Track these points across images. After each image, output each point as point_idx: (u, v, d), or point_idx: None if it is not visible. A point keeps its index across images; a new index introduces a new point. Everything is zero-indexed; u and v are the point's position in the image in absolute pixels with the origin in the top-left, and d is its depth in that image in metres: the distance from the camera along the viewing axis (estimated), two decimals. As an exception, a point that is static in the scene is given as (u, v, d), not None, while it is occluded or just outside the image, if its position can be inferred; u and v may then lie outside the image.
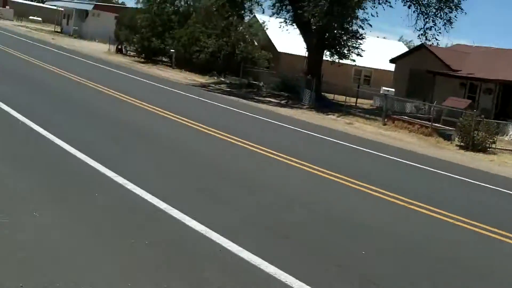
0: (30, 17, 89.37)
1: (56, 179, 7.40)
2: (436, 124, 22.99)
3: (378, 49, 40.83)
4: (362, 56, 30.56)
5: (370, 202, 9.23)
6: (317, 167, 11.04)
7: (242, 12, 31.56)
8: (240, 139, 12.92)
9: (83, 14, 63.54)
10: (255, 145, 12.46)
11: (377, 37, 50.07)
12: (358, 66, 37.41)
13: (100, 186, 7.32)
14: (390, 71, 37.24)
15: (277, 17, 32.00)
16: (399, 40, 42.36)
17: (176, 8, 44.55)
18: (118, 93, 17.97)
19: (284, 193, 8.84)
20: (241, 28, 37.85)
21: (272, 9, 31.47)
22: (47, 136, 9.55)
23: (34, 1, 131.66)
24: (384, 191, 9.80)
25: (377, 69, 40.69)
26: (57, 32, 66.48)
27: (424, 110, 27.85)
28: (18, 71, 20.13)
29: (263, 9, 33.35)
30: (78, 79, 20.26)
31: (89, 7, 62.23)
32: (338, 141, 17.20)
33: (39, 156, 8.48)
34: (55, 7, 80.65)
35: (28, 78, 18.54)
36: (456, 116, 22.58)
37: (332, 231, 7.31)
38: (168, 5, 43.45)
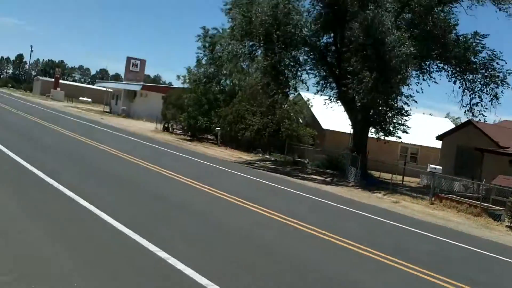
0: (80, 98, 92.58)
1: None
2: (485, 204, 22.27)
3: (424, 125, 40.62)
4: (408, 132, 30.24)
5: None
6: (368, 248, 10.74)
7: (287, 90, 31.85)
8: (287, 218, 12.77)
9: (132, 94, 65.43)
10: (302, 224, 12.28)
11: (423, 113, 49.92)
12: (404, 143, 37.12)
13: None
14: (437, 148, 36.70)
15: (321, 95, 32.20)
16: (446, 117, 41.99)
17: (221, 87, 45.54)
18: (166, 171, 18.10)
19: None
20: (286, 105, 38.15)
21: (317, 86, 31.73)
22: (100, 215, 9.55)
23: (84, 83, 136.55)
24: (437, 275, 9.42)
25: (424, 146, 40.26)
26: (106, 112, 68.48)
27: (473, 188, 27.16)
28: (72, 151, 20.49)
29: (308, 87, 33.65)
30: (126, 157, 20.54)
31: (137, 88, 64.11)
32: (385, 220, 16.73)
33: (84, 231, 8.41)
34: (104, 88, 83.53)
35: (82, 158, 18.85)
36: (506, 195, 21.92)
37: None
38: (214, 84, 44.53)
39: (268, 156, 36.09)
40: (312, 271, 8.58)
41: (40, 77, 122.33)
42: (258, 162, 32.52)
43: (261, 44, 30.32)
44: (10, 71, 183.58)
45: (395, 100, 28.88)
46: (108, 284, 6.38)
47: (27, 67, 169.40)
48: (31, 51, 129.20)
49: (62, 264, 6.81)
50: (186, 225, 10.57)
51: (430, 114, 54.73)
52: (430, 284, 9.00)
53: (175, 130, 48.80)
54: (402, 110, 29.42)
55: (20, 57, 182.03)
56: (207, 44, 44.57)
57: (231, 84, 45.89)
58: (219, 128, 40.50)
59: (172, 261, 7.47)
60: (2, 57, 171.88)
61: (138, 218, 10.24)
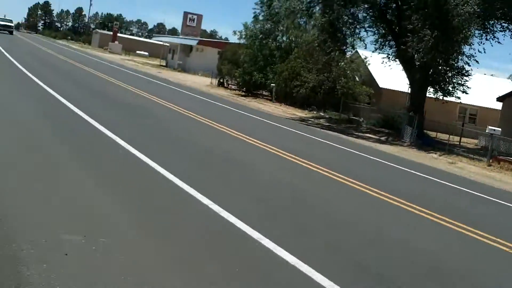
0: (137, 52, 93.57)
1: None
2: (545, 167, 21.83)
3: (485, 86, 39.58)
4: (467, 93, 29.57)
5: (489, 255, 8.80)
6: (422, 208, 10.74)
7: (344, 47, 31.51)
8: (339, 175, 12.78)
9: (188, 49, 65.76)
10: (354, 181, 12.28)
11: (485, 74, 48.54)
12: (463, 103, 36.35)
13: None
14: (497, 109, 35.81)
15: (379, 53, 31.77)
16: (508, 78, 40.58)
17: (278, 44, 45.32)
18: (220, 125, 18.27)
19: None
20: (342, 63, 37.79)
21: (375, 44, 31.25)
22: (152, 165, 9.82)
23: (141, 37, 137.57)
24: (497, 239, 9.36)
25: (483, 107, 39.30)
26: (162, 65, 69.16)
27: (532, 151, 26.56)
28: (125, 101, 20.85)
29: (366, 45, 33.31)
30: (180, 110, 20.81)
31: (193, 43, 64.36)
32: (439, 181, 16.51)
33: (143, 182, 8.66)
34: (161, 43, 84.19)
35: (137, 108, 19.20)
36: None
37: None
38: (270, 40, 44.35)
39: (322, 114, 35.97)
40: (357, 229, 8.67)
41: (99, 30, 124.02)
42: (312, 119, 32.49)
43: (320, 1, 29.94)
44: (70, 23, 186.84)
45: (456, 60, 28.16)
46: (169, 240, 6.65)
47: (86, 20, 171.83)
48: (91, 4, 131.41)
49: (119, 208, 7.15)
50: (233, 177, 10.73)
51: (492, 75, 53.11)
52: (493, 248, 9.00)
53: (229, 85, 48.99)
54: (462, 70, 28.67)
55: (79, 10, 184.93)
56: (264, 0, 44.21)
57: (288, 40, 45.61)
58: (274, 85, 40.50)
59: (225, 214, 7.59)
60: (62, 10, 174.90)
61: (188, 169, 10.49)
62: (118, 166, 9.35)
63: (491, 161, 23.59)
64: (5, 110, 12.88)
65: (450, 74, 28.55)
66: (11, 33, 79.48)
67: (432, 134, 31.69)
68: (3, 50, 35.76)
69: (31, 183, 7.28)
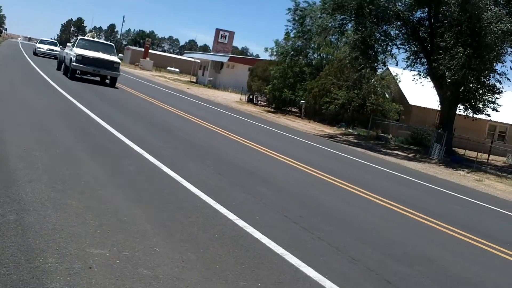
0: (168, 68, 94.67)
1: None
2: None
3: (515, 104, 39.19)
4: (498, 111, 29.34)
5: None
6: (449, 226, 10.67)
7: (376, 64, 31.49)
8: (364, 191, 12.81)
9: (219, 65, 66.35)
10: (381, 198, 12.31)
11: (515, 92, 48.02)
12: (493, 121, 36.01)
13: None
14: (528, 127, 35.44)
15: (411, 70, 31.71)
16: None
17: (308, 61, 45.48)
18: (247, 141, 18.43)
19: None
20: (373, 80, 37.77)
21: (407, 61, 31.26)
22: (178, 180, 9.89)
23: (172, 54, 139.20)
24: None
25: (514, 125, 38.96)
26: (192, 82, 69.90)
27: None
28: (154, 118, 21.03)
29: (397, 62, 33.20)
30: (209, 126, 20.97)
31: (224, 59, 64.91)
32: (465, 198, 16.39)
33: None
34: (192, 59, 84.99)
35: (166, 125, 19.36)
36: None
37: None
38: (301, 57, 44.52)
39: (351, 131, 35.89)
40: (380, 237, 8.62)
41: (130, 47, 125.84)
42: (340, 136, 32.42)
43: (352, 18, 30.01)
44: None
45: (487, 77, 28.09)
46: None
47: (119, 36, 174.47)
48: (123, 21, 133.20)
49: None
50: (263, 192, 10.68)
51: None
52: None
53: (259, 101, 49.25)
54: (493, 88, 28.53)
55: (112, 26, 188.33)
56: (297, 17, 44.44)
57: (318, 57, 45.75)
58: (303, 101, 40.56)
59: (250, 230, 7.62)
60: (94, 26, 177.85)
61: (205, 178, 10.55)
62: (159, 189, 9.43)
63: (518, 178, 23.35)
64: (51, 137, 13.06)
65: (481, 92, 28.40)
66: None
67: (461, 151, 31.44)
68: (35, 67, 36.32)
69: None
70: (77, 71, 28.48)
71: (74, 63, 27.89)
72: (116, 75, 29.68)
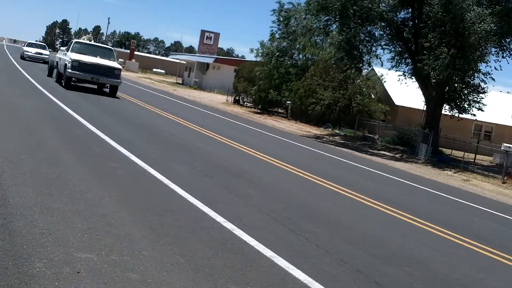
0: (154, 70, 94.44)
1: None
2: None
3: (501, 103, 39.46)
4: (483, 110, 29.54)
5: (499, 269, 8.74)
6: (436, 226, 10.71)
7: (361, 65, 31.57)
8: (351, 191, 12.81)
9: (204, 66, 66.28)
10: (368, 199, 12.31)
11: (501, 91, 48.48)
12: (479, 121, 36.25)
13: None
14: (513, 127, 35.72)
15: (396, 70, 31.80)
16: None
17: (294, 61, 45.51)
18: (234, 143, 18.39)
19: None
20: (358, 81, 37.88)
21: (391, 62, 31.42)
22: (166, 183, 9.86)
23: (158, 55, 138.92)
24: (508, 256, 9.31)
25: (499, 124, 39.22)
26: (178, 83, 69.79)
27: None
28: (139, 119, 20.95)
29: (382, 62, 33.32)
30: (196, 128, 20.90)
31: (210, 60, 64.86)
32: (452, 197, 16.48)
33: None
34: (177, 60, 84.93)
35: (153, 128, 19.28)
36: None
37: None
38: (286, 58, 44.53)
39: (337, 131, 35.95)
40: (371, 240, 8.63)
41: (116, 49, 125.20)
42: (327, 137, 32.47)
43: (337, 19, 30.08)
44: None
45: (472, 77, 28.29)
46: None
47: (104, 38, 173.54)
48: (108, 23, 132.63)
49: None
50: (252, 194, 10.68)
51: (508, 92, 53.00)
52: (497, 262, 8.93)
53: (245, 103, 49.24)
54: (478, 88, 28.72)
55: (97, 28, 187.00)
56: (281, 18, 44.36)
57: (304, 58, 45.79)
58: (289, 102, 40.60)
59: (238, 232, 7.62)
60: (80, 28, 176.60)
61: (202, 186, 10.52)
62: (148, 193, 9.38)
63: (505, 178, 23.45)
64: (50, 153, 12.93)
65: (466, 92, 28.59)
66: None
67: (447, 151, 31.61)
68: (32, 80, 36.00)
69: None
70: (73, 78, 25.59)
71: (69, 70, 24.72)
72: (117, 83, 26.41)
